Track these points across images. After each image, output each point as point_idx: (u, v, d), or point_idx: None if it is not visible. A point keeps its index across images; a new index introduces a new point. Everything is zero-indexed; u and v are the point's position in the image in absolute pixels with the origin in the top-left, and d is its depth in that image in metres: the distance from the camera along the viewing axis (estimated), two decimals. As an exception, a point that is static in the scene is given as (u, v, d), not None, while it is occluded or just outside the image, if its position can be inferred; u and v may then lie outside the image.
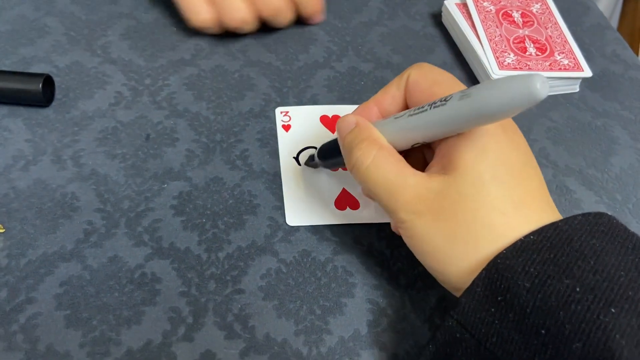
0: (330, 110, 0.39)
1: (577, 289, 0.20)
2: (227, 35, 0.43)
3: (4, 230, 0.31)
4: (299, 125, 0.38)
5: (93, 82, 0.39)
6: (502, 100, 0.21)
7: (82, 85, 0.39)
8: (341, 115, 0.38)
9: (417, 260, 0.26)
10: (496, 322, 0.22)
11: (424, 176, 0.25)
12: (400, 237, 0.32)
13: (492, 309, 0.22)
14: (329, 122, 0.38)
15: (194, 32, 0.44)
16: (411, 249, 0.26)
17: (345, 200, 0.34)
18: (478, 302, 0.22)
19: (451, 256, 0.24)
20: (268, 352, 0.28)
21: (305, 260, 0.31)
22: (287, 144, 0.37)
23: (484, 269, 0.23)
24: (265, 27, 0.44)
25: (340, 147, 0.29)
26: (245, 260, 0.31)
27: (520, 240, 0.23)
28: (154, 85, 0.40)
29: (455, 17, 0.44)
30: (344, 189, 0.35)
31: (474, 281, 0.23)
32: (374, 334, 0.29)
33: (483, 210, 0.23)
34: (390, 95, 0.29)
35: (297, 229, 0.33)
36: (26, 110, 0.37)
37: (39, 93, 0.36)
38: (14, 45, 0.41)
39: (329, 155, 0.32)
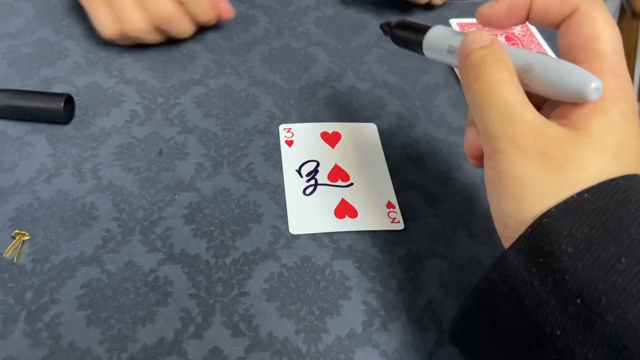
0: (330, 127, 0.42)
1: (623, 260, 0.19)
2: (233, 55, 0.46)
3: (29, 237, 0.34)
4: (301, 141, 0.41)
5: (110, 101, 0.42)
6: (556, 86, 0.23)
7: (100, 103, 0.42)
8: (340, 131, 0.41)
9: (408, 265, 0.29)
10: (535, 283, 0.21)
11: (544, 118, 0.24)
12: (393, 244, 0.35)
13: (533, 269, 0.21)
14: (329, 138, 0.41)
15: (202, 54, 0.47)
16: (490, 183, 0.25)
17: (344, 209, 0.37)
18: (521, 259, 0.22)
19: (539, 201, 0.22)
20: (270, 349, 0.30)
21: (305, 265, 0.34)
22: (290, 158, 0.40)
23: (530, 226, 0.22)
24: (269, 49, 0.47)
25: (461, 58, 0.27)
26: (250, 265, 0.34)
27: (573, 197, 0.21)
28: (166, 104, 0.43)
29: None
30: (342, 199, 0.37)
31: (519, 238, 0.22)
32: (367, 333, 0.31)
33: (595, 176, 0.22)
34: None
35: (297, 236, 0.35)
36: (48, 127, 0.40)
37: (61, 111, 0.39)
38: (37, 67, 0.44)
39: (408, 33, 0.31)
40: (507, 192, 0.23)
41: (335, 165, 0.39)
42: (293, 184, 0.38)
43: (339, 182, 0.38)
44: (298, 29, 0.51)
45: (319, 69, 0.47)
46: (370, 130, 0.42)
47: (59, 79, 0.43)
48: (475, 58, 0.26)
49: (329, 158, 0.40)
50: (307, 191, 0.38)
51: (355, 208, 0.37)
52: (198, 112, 0.42)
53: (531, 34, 0.48)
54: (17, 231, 0.34)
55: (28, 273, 0.32)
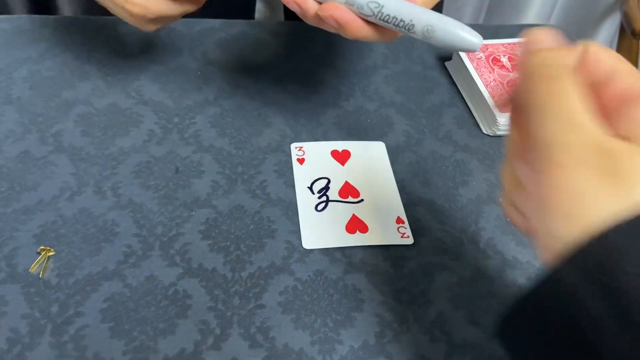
0: (340, 145, 0.44)
1: None
2: (246, 77, 0.48)
3: (54, 252, 0.35)
4: (312, 159, 0.42)
5: (128, 121, 0.44)
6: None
7: (119, 124, 0.44)
8: (350, 149, 0.43)
9: (418, 278, 0.30)
10: (595, 303, 0.19)
11: (605, 131, 0.22)
12: (403, 258, 0.36)
13: (593, 287, 0.20)
14: (339, 156, 0.43)
15: (215, 75, 0.48)
16: (534, 194, 0.23)
17: (355, 225, 0.38)
18: (578, 275, 0.20)
19: (597, 218, 0.20)
20: (287, 359, 0.32)
21: (318, 279, 0.35)
22: (302, 175, 0.41)
23: (590, 241, 0.20)
24: (282, 69, 0.49)
25: (526, 55, 0.25)
26: (266, 279, 0.35)
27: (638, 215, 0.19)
28: (182, 124, 0.44)
29: (464, 60, 0.49)
30: (353, 215, 0.39)
31: (576, 253, 0.20)
32: (380, 344, 0.33)
33: None
34: None
35: (310, 251, 0.37)
36: (70, 147, 0.42)
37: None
38: (58, 89, 0.46)
39: None
40: (559, 209, 0.21)
41: (346, 182, 0.41)
42: (305, 201, 0.39)
43: (350, 199, 0.40)
44: (307, 51, 0.53)
45: (329, 90, 0.49)
46: (378, 148, 0.44)
47: (79, 100, 0.45)
48: (545, 58, 0.24)
49: (339, 175, 0.41)
50: (319, 207, 0.39)
51: (366, 223, 0.38)
52: (213, 131, 0.44)
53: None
54: (42, 247, 0.35)
55: (53, 287, 0.34)
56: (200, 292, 0.34)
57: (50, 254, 0.35)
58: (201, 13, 0.44)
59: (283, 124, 0.45)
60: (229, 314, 0.33)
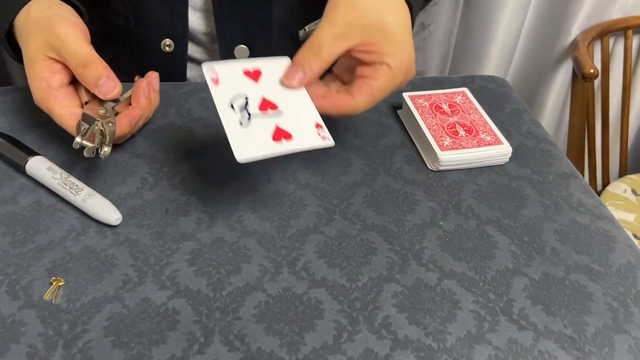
0: (250, 65, 0.47)
1: None
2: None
3: (63, 282, 0.42)
4: (227, 79, 0.46)
5: (124, 172, 0.52)
6: None
7: (116, 175, 0.51)
8: (261, 68, 0.47)
9: (369, 289, 0.37)
10: None
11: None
12: (357, 274, 0.43)
13: None
14: (251, 75, 0.47)
15: (199, 129, 0.56)
16: None
17: (279, 134, 0.43)
18: None
19: None
20: (260, 360, 0.38)
21: (287, 294, 0.42)
22: (220, 94, 0.45)
23: None
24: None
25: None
26: (242, 296, 0.42)
27: None
28: (170, 172, 0.52)
29: (411, 108, 0.57)
30: (276, 125, 0.43)
31: None
32: (337, 344, 0.39)
33: None
34: None
35: (281, 271, 0.44)
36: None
37: (86, 182, 0.48)
38: (68, 149, 0.54)
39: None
40: None
41: (263, 97, 0.45)
42: (229, 117, 0.43)
43: (270, 112, 0.44)
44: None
45: (309, 213, 0.57)
46: (285, 63, 0.48)
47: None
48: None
49: (256, 92, 0.45)
50: (244, 122, 0.43)
51: (289, 132, 0.43)
52: (198, 178, 0.52)
53: (469, 101, 0.58)
54: (54, 278, 0.42)
55: (63, 310, 0.40)
56: (187, 309, 0.41)
57: (61, 283, 0.42)
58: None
59: (257, 168, 0.53)
60: (211, 325, 0.40)
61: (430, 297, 0.42)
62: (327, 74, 0.50)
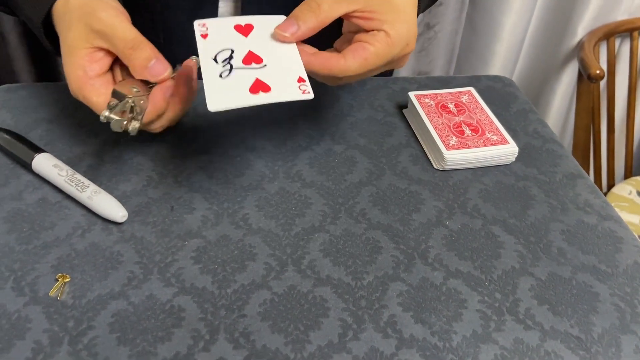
0: (243, 20, 0.47)
1: None
2: (229, 128, 0.56)
3: (69, 279, 0.42)
4: (216, 34, 0.45)
5: (129, 169, 0.52)
6: None
7: (121, 172, 0.51)
8: (253, 23, 0.47)
9: (375, 287, 0.37)
10: None
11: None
12: (362, 272, 0.43)
13: None
14: (242, 29, 0.46)
15: (204, 129, 0.57)
16: None
17: (258, 86, 0.42)
18: None
19: None
20: (265, 358, 0.38)
21: (292, 292, 0.42)
22: (205, 47, 0.44)
23: None
24: (262, 120, 0.57)
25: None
26: (247, 294, 0.42)
27: None
28: (176, 170, 0.52)
29: (417, 107, 0.57)
30: (257, 78, 0.42)
31: None
32: (343, 342, 0.39)
33: None
34: None
35: (285, 270, 0.43)
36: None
37: (92, 179, 0.48)
38: (71, 146, 0.54)
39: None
40: None
41: (249, 51, 0.44)
42: (209, 69, 0.43)
43: (253, 65, 0.44)
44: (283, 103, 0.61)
45: (301, 135, 0.57)
46: (280, 20, 0.47)
47: (88, 153, 0.53)
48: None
49: (243, 46, 0.45)
50: (224, 75, 0.42)
51: (269, 84, 0.43)
52: (202, 174, 0.52)
53: (476, 100, 0.58)
54: (59, 275, 0.42)
55: (69, 307, 0.40)
56: (192, 306, 0.41)
57: (66, 280, 0.42)
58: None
59: (262, 166, 0.53)
60: (216, 322, 0.40)
61: (436, 296, 0.42)
62: (328, 48, 0.50)
